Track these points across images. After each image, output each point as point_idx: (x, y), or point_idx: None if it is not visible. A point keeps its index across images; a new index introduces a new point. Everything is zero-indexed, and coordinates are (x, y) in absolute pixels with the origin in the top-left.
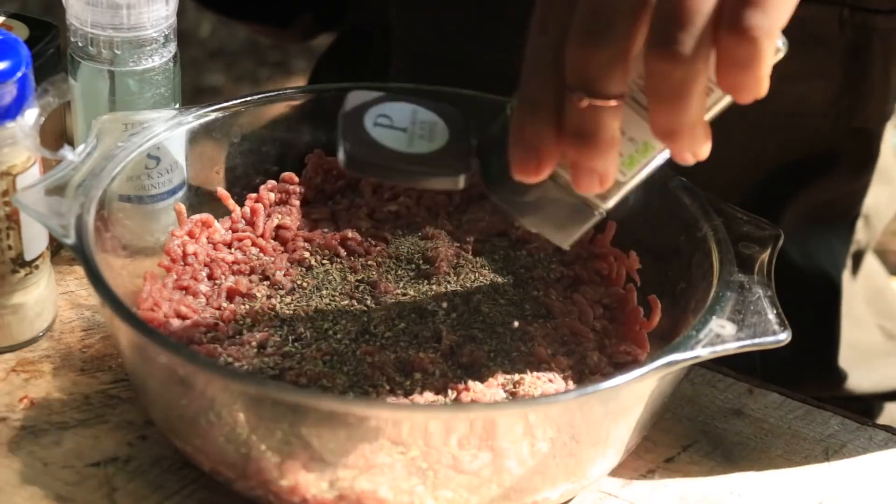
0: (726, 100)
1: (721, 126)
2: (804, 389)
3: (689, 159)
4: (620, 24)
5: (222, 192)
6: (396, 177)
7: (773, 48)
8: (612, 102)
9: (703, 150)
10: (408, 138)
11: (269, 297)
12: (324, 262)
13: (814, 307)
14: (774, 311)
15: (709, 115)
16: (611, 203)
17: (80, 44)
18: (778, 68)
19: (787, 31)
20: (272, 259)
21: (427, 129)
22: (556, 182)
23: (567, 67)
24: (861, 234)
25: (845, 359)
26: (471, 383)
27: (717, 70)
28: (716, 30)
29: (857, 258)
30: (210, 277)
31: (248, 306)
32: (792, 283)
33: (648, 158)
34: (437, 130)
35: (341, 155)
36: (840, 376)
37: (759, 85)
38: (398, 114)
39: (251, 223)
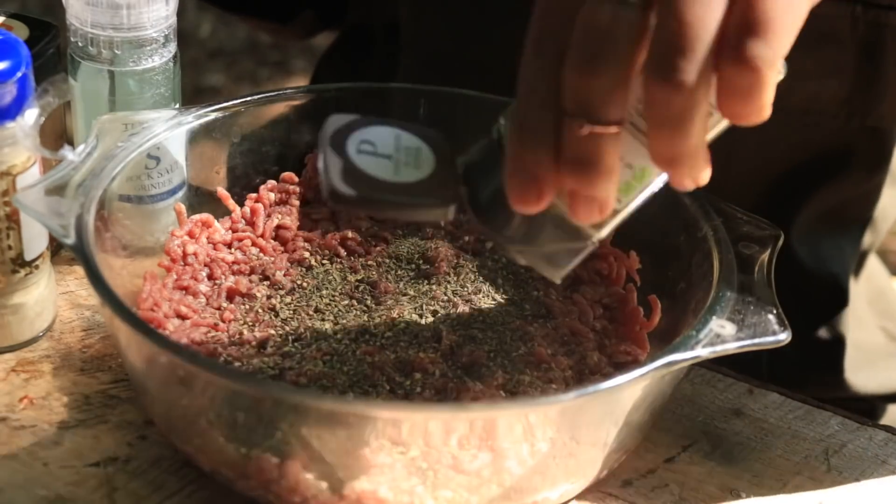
0: (725, 122)
1: (732, 126)
2: (808, 390)
3: (688, 185)
4: (620, 48)
5: (222, 192)
6: (385, 209)
7: (775, 77)
8: (613, 129)
9: (703, 175)
10: (394, 166)
11: (269, 297)
12: (324, 262)
13: (821, 309)
14: (774, 311)
15: (708, 137)
16: (605, 232)
17: (80, 44)
18: (790, 66)
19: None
20: (272, 259)
21: (412, 156)
22: (550, 212)
23: (565, 93)
24: (867, 236)
25: (849, 360)
26: (471, 383)
27: (717, 97)
28: (717, 56)
29: (861, 259)
30: (210, 277)
31: (247, 306)
32: (801, 285)
33: (645, 184)
34: (422, 157)
35: (325, 188)
36: (844, 378)
37: (761, 112)
38: (381, 139)
39: (251, 223)
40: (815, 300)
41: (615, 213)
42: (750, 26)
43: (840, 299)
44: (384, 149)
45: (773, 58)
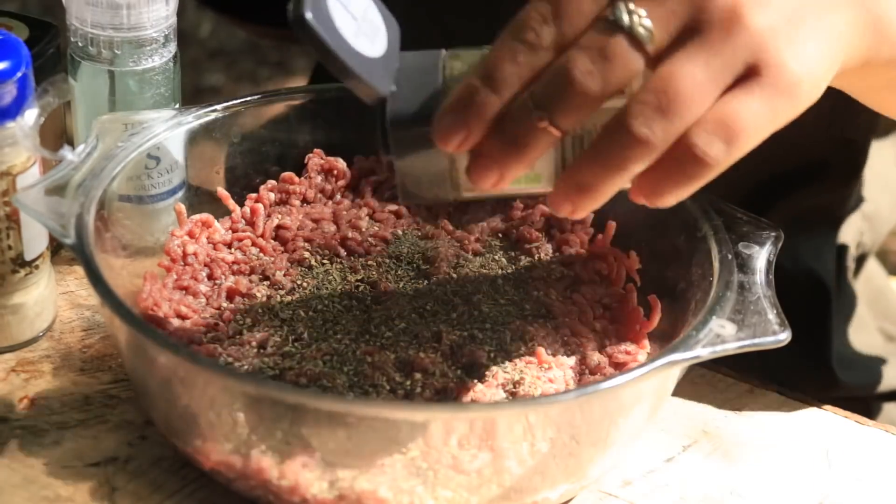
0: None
1: None
2: (799, 388)
3: (563, 211)
4: (617, 80)
5: (222, 192)
6: (330, 62)
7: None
8: (559, 133)
9: (583, 212)
10: (355, 30)
11: (269, 297)
12: (324, 262)
13: (804, 309)
14: (774, 311)
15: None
16: (469, 196)
17: (80, 44)
18: None
19: None
20: (272, 259)
21: (371, 31)
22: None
23: (546, 83)
24: (867, 237)
25: (844, 360)
26: (471, 383)
27: (647, 172)
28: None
29: (860, 261)
30: (210, 277)
31: (247, 306)
32: (779, 285)
33: (530, 187)
34: (378, 37)
35: (293, 12)
36: (836, 377)
37: (667, 201)
38: (354, 3)
39: (251, 223)
40: (797, 300)
41: (507, 191)
42: (726, 126)
43: (822, 298)
44: (354, 10)
45: (724, 163)
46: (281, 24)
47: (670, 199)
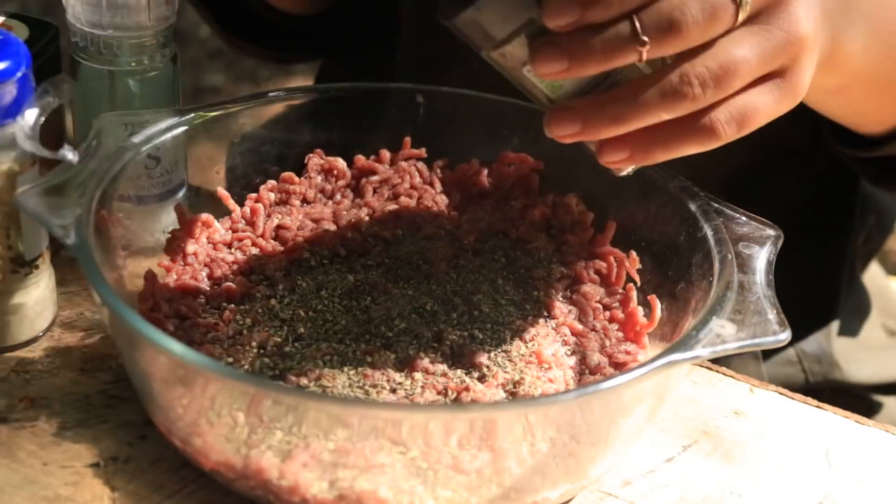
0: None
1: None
2: (803, 366)
3: (566, 131)
4: (712, 31)
5: (222, 192)
6: None
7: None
8: (643, 60)
9: (587, 136)
10: None
11: (269, 297)
12: (324, 262)
13: (810, 299)
14: (774, 311)
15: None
16: (496, 59)
17: (80, 44)
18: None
19: None
20: (272, 259)
21: None
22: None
23: (659, 14)
24: (876, 232)
25: (848, 353)
26: (471, 383)
27: (651, 128)
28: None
29: (867, 257)
30: (210, 277)
31: (247, 306)
32: (787, 276)
33: (548, 90)
34: None
35: None
36: (836, 361)
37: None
38: None
39: (251, 223)
40: (805, 289)
41: (522, 70)
42: (745, 113)
43: (830, 290)
44: None
45: (726, 142)
46: (289, 49)
47: (660, 158)
